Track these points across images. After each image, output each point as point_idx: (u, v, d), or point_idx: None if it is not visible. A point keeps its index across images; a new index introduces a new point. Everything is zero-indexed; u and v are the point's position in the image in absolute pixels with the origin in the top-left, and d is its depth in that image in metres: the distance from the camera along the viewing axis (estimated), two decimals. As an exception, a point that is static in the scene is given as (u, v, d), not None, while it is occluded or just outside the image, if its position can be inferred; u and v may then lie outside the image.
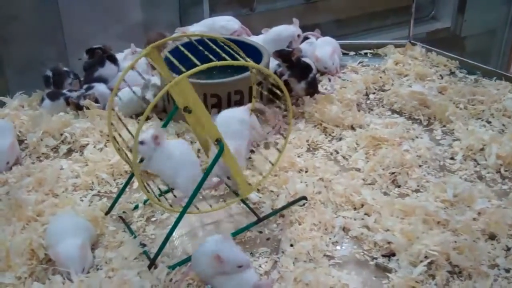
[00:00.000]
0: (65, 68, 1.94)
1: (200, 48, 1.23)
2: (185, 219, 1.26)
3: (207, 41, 1.26)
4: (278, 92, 1.28)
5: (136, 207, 1.42)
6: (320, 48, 2.04)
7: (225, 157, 1.21)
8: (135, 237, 1.31)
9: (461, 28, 3.22)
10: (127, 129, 1.28)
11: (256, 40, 1.96)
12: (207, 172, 1.21)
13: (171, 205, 1.26)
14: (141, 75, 1.55)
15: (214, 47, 1.25)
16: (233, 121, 1.32)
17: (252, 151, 1.58)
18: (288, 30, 1.98)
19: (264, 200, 1.42)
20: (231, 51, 1.25)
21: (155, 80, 1.81)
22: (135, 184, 1.50)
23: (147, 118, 1.73)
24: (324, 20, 2.91)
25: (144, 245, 1.30)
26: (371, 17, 3.15)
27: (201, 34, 1.34)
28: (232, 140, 1.24)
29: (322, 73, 2.03)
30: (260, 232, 1.34)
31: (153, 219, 1.40)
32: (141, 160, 1.28)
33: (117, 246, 1.29)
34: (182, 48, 1.23)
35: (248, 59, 1.23)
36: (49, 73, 1.92)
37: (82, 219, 1.31)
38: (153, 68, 1.93)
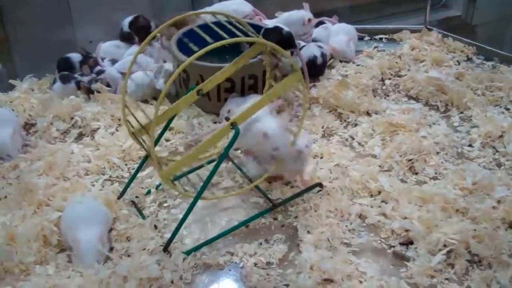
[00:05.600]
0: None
1: (216, 29, 1.19)
2: (199, 204, 1.24)
3: (224, 23, 1.24)
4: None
5: (149, 192, 1.40)
6: (335, 37, 2.03)
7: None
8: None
9: (472, 16, 3.18)
10: (144, 112, 1.26)
11: (269, 23, 1.93)
12: (223, 155, 1.18)
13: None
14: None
15: (230, 27, 1.23)
16: None
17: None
18: (298, 14, 1.96)
19: (278, 187, 1.39)
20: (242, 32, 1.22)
21: (168, 66, 1.78)
22: (147, 169, 1.48)
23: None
24: (340, 5, 2.87)
25: (157, 230, 1.27)
26: (386, 3, 3.10)
27: (215, 11, 1.31)
28: None
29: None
30: (275, 218, 1.31)
31: (165, 204, 1.37)
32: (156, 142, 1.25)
33: (131, 230, 1.26)
34: (198, 30, 1.20)
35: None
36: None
37: (100, 205, 1.28)
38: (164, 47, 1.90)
